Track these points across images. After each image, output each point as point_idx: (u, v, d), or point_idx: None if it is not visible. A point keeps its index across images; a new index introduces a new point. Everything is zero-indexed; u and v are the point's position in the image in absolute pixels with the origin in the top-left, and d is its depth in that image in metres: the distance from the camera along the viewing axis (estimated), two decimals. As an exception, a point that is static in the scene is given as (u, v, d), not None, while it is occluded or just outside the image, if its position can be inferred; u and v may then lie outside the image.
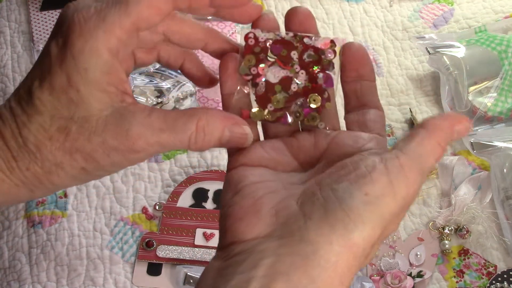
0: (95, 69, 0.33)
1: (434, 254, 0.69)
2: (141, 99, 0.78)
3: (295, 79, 0.37)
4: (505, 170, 0.70)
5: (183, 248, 0.70)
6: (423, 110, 0.80)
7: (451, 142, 0.34)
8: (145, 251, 0.69)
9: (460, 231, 0.70)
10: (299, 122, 0.38)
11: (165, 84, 0.78)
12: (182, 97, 0.79)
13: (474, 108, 0.75)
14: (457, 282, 0.68)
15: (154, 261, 0.69)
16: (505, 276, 0.67)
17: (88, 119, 0.33)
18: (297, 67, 0.37)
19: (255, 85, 0.38)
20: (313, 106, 0.37)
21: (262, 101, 0.37)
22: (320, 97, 0.37)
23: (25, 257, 0.71)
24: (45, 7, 0.89)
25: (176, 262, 0.69)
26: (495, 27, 0.83)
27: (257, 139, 0.38)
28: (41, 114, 0.33)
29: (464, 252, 0.69)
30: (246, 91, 0.38)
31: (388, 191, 0.31)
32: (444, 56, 0.78)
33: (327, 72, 0.37)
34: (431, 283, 0.68)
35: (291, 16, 0.38)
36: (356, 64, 0.38)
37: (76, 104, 0.33)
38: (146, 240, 0.70)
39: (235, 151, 0.37)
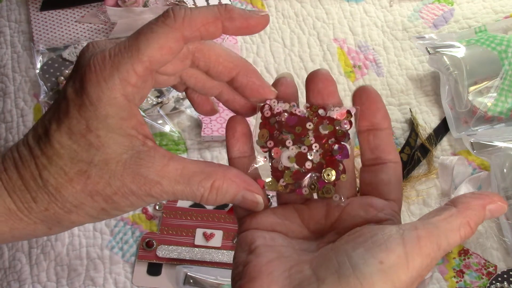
0: (114, 115, 0.34)
1: (434, 254, 0.69)
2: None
3: (308, 156, 0.37)
4: (505, 170, 0.70)
5: (183, 248, 0.70)
6: (423, 110, 0.80)
7: (483, 221, 0.34)
8: (145, 251, 0.70)
9: (460, 231, 0.70)
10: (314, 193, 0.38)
11: (165, 84, 0.78)
12: (182, 97, 0.79)
13: (474, 108, 0.75)
14: (457, 282, 0.68)
15: (154, 261, 0.69)
16: (505, 276, 0.67)
17: (107, 162, 0.34)
18: (312, 139, 0.37)
19: (271, 156, 0.38)
20: (327, 180, 0.37)
21: (277, 173, 0.38)
22: (334, 171, 0.37)
23: (25, 257, 0.71)
24: (45, 7, 0.89)
25: (176, 262, 0.69)
26: (495, 27, 0.83)
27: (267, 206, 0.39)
28: (61, 157, 0.34)
29: (464, 252, 0.69)
30: (263, 162, 0.38)
31: (402, 262, 0.31)
32: (444, 56, 0.78)
33: (342, 143, 0.37)
34: (431, 283, 0.68)
35: (311, 82, 0.38)
36: (368, 111, 0.37)
37: (96, 148, 0.34)
38: (146, 240, 0.70)
39: (246, 216, 0.38)
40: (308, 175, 0.37)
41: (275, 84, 0.39)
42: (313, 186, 0.37)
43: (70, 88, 0.34)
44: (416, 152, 0.75)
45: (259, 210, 0.38)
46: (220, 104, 0.41)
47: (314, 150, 0.37)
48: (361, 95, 0.37)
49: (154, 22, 0.34)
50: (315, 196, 0.38)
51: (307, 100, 0.38)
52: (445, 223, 0.32)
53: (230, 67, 0.37)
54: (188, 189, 0.35)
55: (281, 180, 0.37)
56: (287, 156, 0.37)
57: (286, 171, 0.37)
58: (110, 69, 0.33)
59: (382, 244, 0.31)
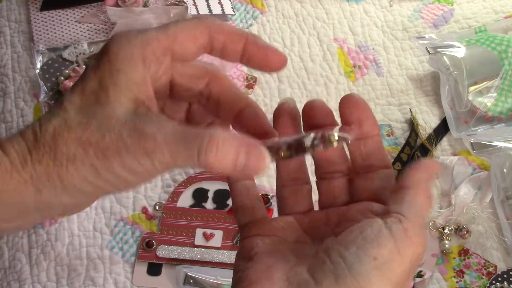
0: (127, 72, 0.34)
1: (434, 254, 0.69)
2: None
3: (304, 138, 0.36)
4: (505, 170, 0.70)
5: (183, 248, 0.70)
6: (423, 110, 0.80)
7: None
8: (145, 251, 0.70)
9: (460, 231, 0.70)
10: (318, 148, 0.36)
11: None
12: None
13: (474, 108, 0.75)
14: (457, 282, 0.68)
15: (154, 261, 0.69)
16: (505, 276, 0.67)
17: (109, 117, 0.34)
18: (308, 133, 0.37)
19: (275, 155, 0.37)
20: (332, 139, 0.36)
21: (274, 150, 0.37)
22: (336, 133, 0.36)
23: (25, 257, 0.71)
24: (45, 7, 0.89)
25: (176, 262, 0.69)
26: (495, 27, 0.83)
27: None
28: (67, 112, 0.35)
29: (464, 252, 0.69)
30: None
31: (395, 256, 0.32)
32: (444, 56, 0.78)
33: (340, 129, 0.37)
34: (431, 283, 0.68)
35: (308, 116, 0.38)
36: (357, 120, 0.37)
37: (102, 105, 0.34)
38: (146, 240, 0.70)
39: (247, 223, 0.38)
40: (309, 135, 0.36)
41: (278, 110, 0.39)
42: (316, 142, 0.35)
43: (93, 59, 0.36)
44: (416, 152, 0.75)
45: (264, 170, 0.35)
46: None
47: (311, 134, 0.36)
48: (349, 104, 0.37)
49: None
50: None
51: (305, 130, 0.39)
52: (415, 207, 0.34)
53: (241, 97, 0.38)
54: (183, 146, 0.33)
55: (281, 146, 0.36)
56: (285, 140, 0.37)
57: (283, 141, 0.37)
58: (135, 33, 0.35)
59: (373, 240, 0.32)
